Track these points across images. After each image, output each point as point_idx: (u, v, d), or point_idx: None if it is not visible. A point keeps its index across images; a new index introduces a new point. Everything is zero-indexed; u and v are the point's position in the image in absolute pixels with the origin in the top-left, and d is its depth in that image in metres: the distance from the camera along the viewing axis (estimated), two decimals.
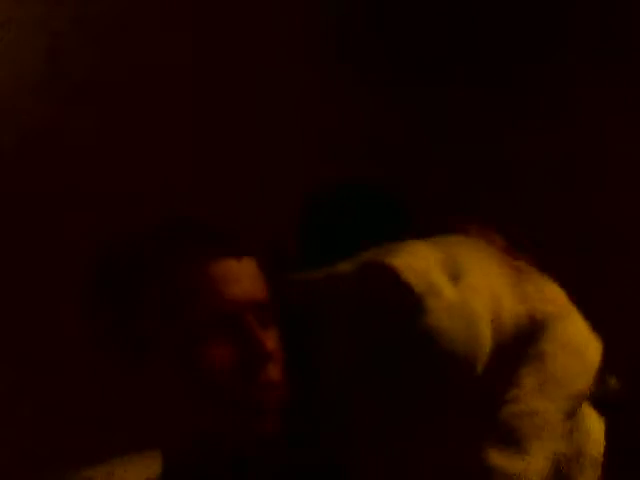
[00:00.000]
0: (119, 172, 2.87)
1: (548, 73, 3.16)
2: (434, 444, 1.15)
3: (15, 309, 2.71)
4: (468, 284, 1.15)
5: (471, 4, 3.24)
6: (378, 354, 1.13)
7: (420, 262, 1.16)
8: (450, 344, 1.10)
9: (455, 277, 1.15)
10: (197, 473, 1.29)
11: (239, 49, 3.10)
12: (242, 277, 1.29)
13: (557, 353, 1.19)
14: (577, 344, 1.23)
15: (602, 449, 1.17)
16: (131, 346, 1.29)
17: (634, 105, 3.06)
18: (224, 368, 1.24)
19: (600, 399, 1.28)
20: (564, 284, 3.12)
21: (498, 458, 1.12)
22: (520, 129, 3.20)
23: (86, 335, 1.35)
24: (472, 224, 1.23)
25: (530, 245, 1.31)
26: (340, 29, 3.28)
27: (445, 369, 1.11)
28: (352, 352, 1.17)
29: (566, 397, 1.17)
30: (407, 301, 1.12)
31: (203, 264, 1.27)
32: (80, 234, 2.78)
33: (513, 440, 1.13)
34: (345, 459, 1.21)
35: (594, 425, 1.21)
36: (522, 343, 1.19)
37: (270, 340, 1.27)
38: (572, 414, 1.17)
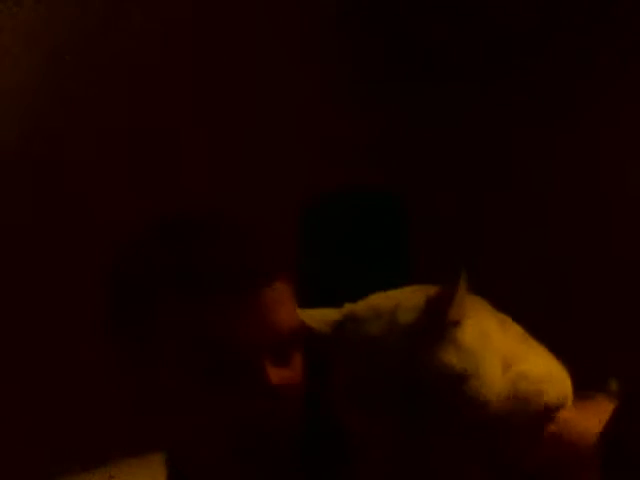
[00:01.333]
0: (119, 173, 2.88)
1: (549, 72, 3.17)
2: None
3: (16, 308, 2.72)
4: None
5: (472, 4, 3.25)
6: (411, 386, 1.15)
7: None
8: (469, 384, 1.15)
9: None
10: None
11: (238, 49, 3.10)
12: (277, 307, 1.21)
13: None
14: None
15: None
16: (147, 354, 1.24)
17: (635, 103, 3.07)
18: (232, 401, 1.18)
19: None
20: (565, 282, 3.12)
21: None
22: (521, 129, 3.20)
23: (91, 336, 1.33)
24: None
25: None
26: (340, 29, 3.29)
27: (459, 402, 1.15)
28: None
29: None
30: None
31: (237, 296, 1.19)
32: (83, 234, 2.79)
33: None
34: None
35: None
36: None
37: (287, 378, 1.20)
38: None
